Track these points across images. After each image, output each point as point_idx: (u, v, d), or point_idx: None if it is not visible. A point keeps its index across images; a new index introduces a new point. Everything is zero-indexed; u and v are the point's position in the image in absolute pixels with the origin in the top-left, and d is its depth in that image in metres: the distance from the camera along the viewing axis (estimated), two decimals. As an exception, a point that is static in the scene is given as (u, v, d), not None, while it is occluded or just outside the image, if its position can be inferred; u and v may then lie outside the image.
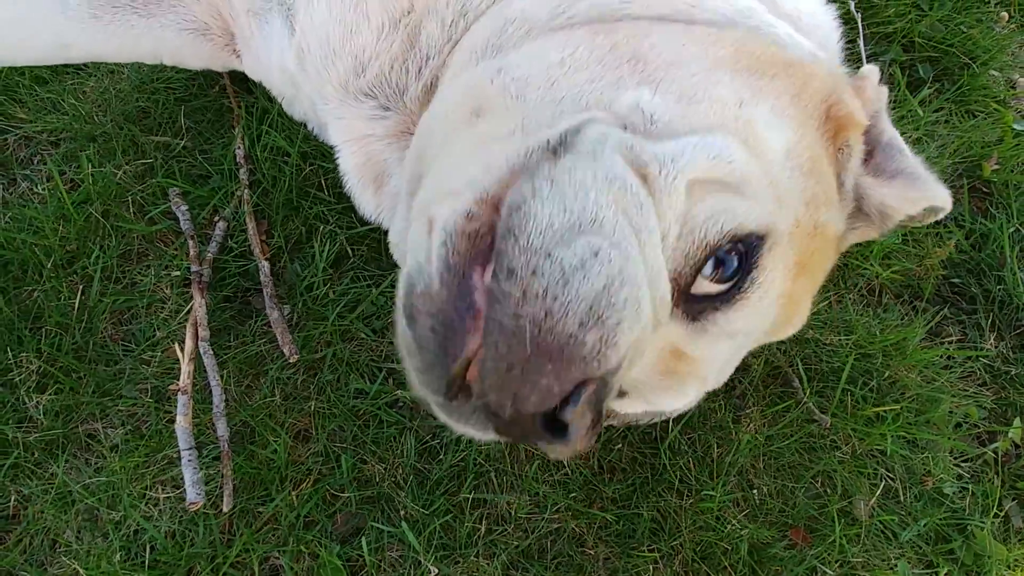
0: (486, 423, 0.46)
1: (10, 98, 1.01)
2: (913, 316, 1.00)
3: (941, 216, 0.65)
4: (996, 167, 1.12)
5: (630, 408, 0.59)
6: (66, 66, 1.05)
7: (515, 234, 0.42)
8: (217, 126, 1.02)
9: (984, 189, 1.13)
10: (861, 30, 1.16)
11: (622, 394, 0.56)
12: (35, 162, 0.99)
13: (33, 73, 1.03)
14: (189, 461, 0.71)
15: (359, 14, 0.69)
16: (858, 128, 0.61)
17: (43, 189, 0.96)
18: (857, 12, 1.14)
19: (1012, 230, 1.06)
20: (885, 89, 0.65)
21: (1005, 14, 1.34)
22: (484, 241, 0.43)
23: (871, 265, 1.02)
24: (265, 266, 0.89)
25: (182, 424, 0.73)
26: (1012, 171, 1.12)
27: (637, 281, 0.44)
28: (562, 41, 0.57)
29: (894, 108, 1.15)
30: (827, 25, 0.71)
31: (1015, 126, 1.18)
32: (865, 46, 1.17)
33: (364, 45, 0.69)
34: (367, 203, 0.74)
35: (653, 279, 0.45)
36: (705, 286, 0.50)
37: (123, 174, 0.96)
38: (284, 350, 0.84)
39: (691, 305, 0.50)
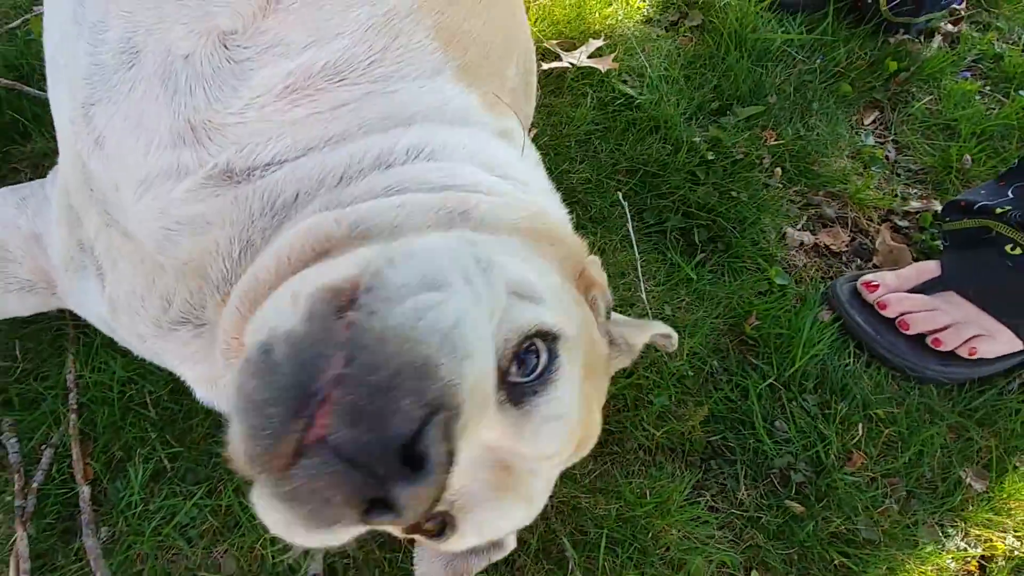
0: (334, 480, 0.42)
1: None
2: (682, 473, 1.16)
3: (674, 338, 0.91)
4: (756, 323, 1.31)
5: (463, 543, 0.65)
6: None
7: (374, 288, 0.47)
8: (55, 347, 1.13)
9: (750, 342, 1.31)
10: (628, 215, 1.36)
11: (452, 528, 0.63)
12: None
13: None
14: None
15: (155, 267, 0.79)
16: (601, 289, 0.80)
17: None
18: (624, 202, 1.34)
19: (768, 383, 1.24)
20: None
21: (779, 170, 1.56)
22: (347, 302, 0.47)
23: (645, 428, 1.18)
24: (85, 491, 0.99)
25: None
26: (772, 324, 1.30)
27: (480, 328, 0.49)
28: (387, 200, 0.68)
29: (671, 275, 1.34)
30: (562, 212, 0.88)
31: (778, 280, 1.38)
32: (644, 220, 1.37)
33: (166, 286, 0.77)
34: (215, 399, 0.81)
35: (484, 349, 0.49)
36: (517, 378, 0.58)
37: None
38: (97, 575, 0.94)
39: (512, 389, 0.57)
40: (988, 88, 1.82)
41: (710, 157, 1.47)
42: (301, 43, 0.67)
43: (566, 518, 1.08)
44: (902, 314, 1.29)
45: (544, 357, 0.59)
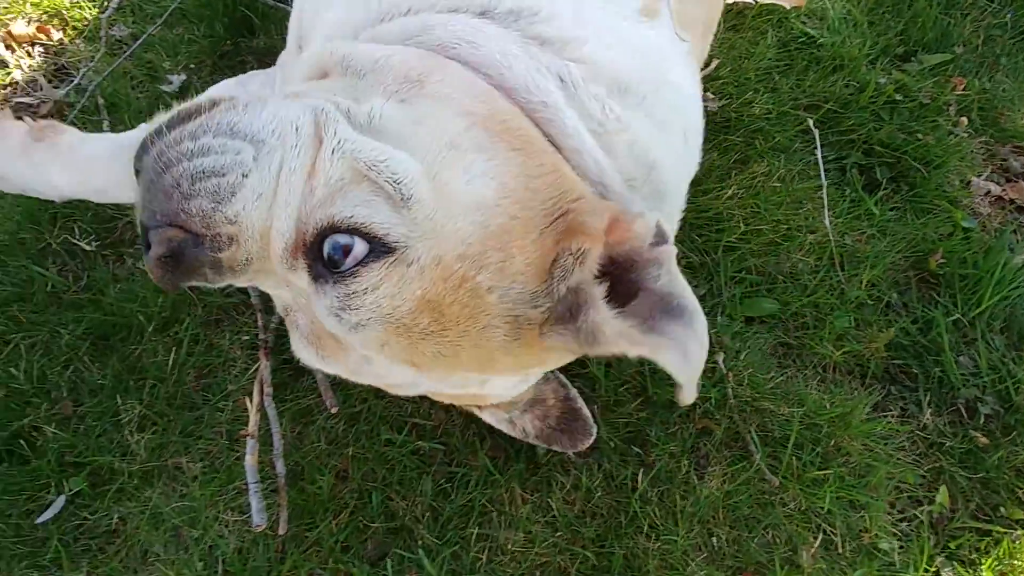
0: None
1: (122, 189, 1.26)
2: (860, 392, 1.17)
3: (686, 395, 0.59)
4: (942, 261, 1.29)
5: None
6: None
7: (206, 113, 0.61)
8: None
9: (932, 280, 1.29)
10: (818, 142, 1.36)
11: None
12: (137, 243, 1.24)
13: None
14: (255, 492, 0.91)
15: None
16: (595, 241, 0.60)
17: (143, 266, 1.20)
18: (815, 130, 1.35)
19: (952, 319, 1.23)
20: (671, 248, 0.62)
21: (964, 119, 1.52)
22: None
23: (824, 346, 1.19)
24: (318, 335, 1.11)
25: (250, 462, 0.94)
26: (957, 264, 1.28)
27: (260, 183, 0.58)
28: (386, 49, 0.68)
29: (852, 208, 1.33)
30: (659, 164, 0.73)
31: (964, 223, 1.35)
32: (823, 154, 1.37)
33: None
34: None
35: (281, 202, 0.57)
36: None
37: (208, 254, 1.19)
38: (327, 403, 1.05)
39: (313, 266, 0.58)
40: None
41: (897, 98, 1.45)
42: None
43: (748, 416, 1.11)
44: None
45: (356, 254, 0.56)
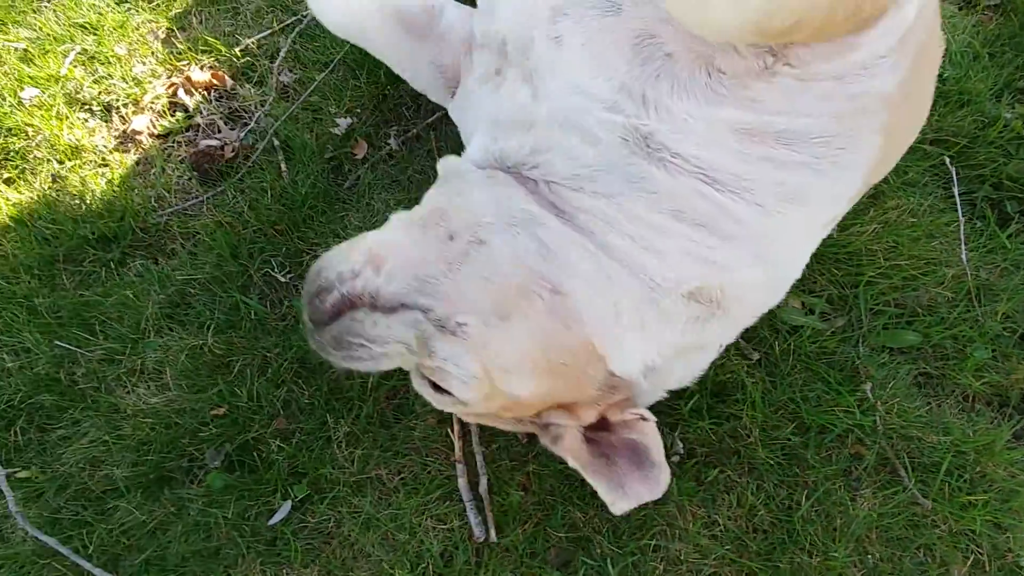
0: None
1: (307, 228, 1.41)
2: (1001, 421, 1.23)
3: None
4: (1077, 295, 1.33)
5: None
6: (337, 200, 1.45)
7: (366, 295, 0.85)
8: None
9: (1068, 312, 1.34)
10: (955, 178, 1.42)
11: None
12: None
13: (315, 207, 1.43)
14: (471, 509, 1.05)
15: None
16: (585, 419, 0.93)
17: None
18: (952, 167, 1.40)
19: (1090, 350, 1.28)
20: (651, 425, 0.94)
21: (1089, 150, 1.55)
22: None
23: (965, 377, 1.26)
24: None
25: (462, 484, 1.09)
26: (1092, 297, 1.33)
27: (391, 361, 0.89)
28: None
29: (986, 243, 1.39)
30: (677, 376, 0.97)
31: (1096, 256, 1.39)
32: (959, 189, 1.43)
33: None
34: None
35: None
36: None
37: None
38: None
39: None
40: None
41: (1022, 131, 1.49)
42: (773, 109, 0.77)
43: (897, 443, 1.19)
44: None
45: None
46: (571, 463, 0.93)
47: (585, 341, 0.84)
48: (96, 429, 1.19)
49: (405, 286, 0.82)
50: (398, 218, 0.92)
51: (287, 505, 1.14)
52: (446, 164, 0.98)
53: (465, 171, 0.93)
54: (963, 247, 1.37)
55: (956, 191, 1.41)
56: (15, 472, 1.16)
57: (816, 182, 0.82)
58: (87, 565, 1.10)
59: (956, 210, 1.41)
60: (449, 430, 1.14)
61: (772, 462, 1.17)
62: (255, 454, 1.18)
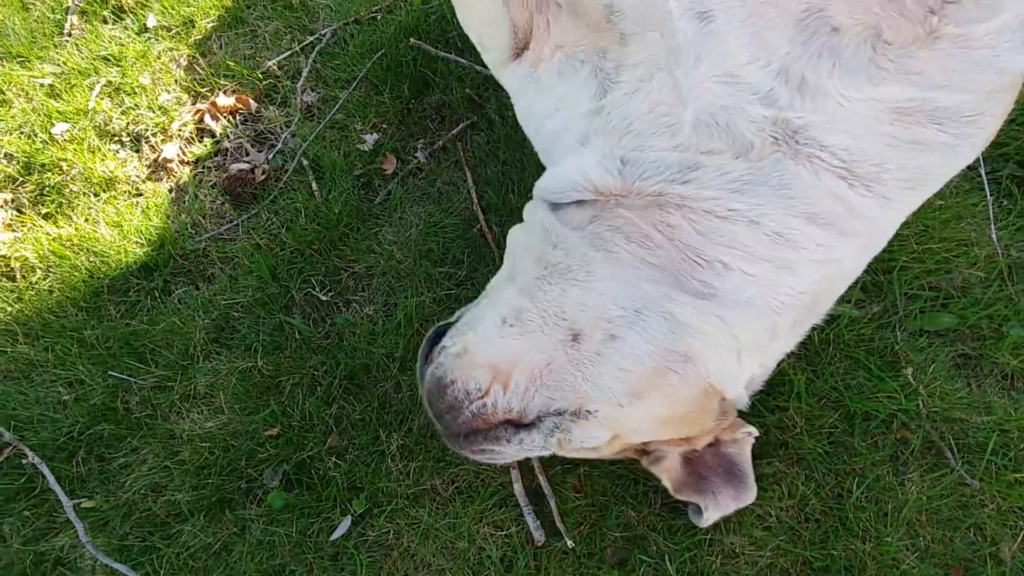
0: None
1: (343, 245, 1.43)
2: (1043, 397, 1.24)
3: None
4: (1110, 267, 1.34)
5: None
6: (370, 216, 1.47)
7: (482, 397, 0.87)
8: (480, 255, 1.41)
9: (1100, 286, 1.35)
10: (981, 159, 1.43)
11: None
12: (361, 289, 1.41)
13: (349, 224, 1.46)
14: (529, 513, 1.08)
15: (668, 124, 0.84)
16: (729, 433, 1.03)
17: (371, 311, 1.37)
18: (985, 182, 1.41)
19: None
20: (751, 437, 1.05)
21: (1111, 122, 1.55)
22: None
23: (1003, 355, 1.27)
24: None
25: (518, 489, 1.11)
26: (1125, 270, 1.34)
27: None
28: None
29: (1015, 220, 1.40)
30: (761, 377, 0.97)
31: (1126, 228, 1.40)
32: (985, 169, 1.44)
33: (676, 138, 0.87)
34: None
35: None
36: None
37: (427, 300, 1.35)
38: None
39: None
40: None
41: (1047, 108, 1.50)
42: (935, 83, 0.75)
43: (940, 426, 1.21)
44: None
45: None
46: (665, 483, 1.03)
47: (708, 387, 0.85)
48: (155, 456, 1.22)
49: (541, 403, 0.83)
50: (503, 302, 0.87)
51: (347, 520, 1.17)
52: (539, 219, 0.89)
53: (570, 241, 0.85)
54: (993, 227, 1.38)
55: (983, 171, 1.42)
56: (80, 502, 1.20)
57: (947, 164, 0.83)
58: (157, 588, 1.13)
59: (983, 190, 1.42)
60: (501, 438, 1.17)
61: (820, 451, 1.18)
62: (312, 472, 1.21)
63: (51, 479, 1.18)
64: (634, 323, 0.79)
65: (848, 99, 0.76)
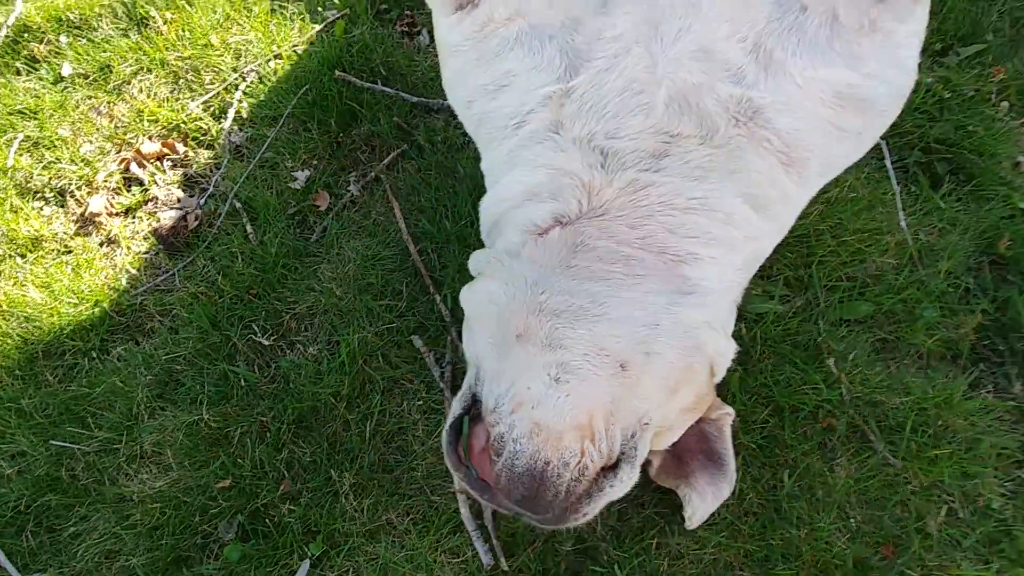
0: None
1: (282, 287, 1.43)
2: (957, 374, 1.33)
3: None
4: (1009, 243, 1.43)
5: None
6: (307, 255, 1.47)
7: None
8: (420, 285, 1.43)
9: (1002, 262, 1.44)
10: (886, 149, 1.50)
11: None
12: (304, 329, 1.42)
13: (287, 265, 1.46)
14: (477, 538, 1.11)
15: (640, 92, 0.87)
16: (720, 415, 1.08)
17: (315, 350, 1.38)
18: (882, 138, 1.48)
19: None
20: (729, 415, 1.09)
21: (1005, 104, 1.65)
22: None
23: (918, 337, 1.35)
24: (484, 392, 1.28)
25: (465, 513, 1.13)
26: (1022, 244, 1.43)
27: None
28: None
29: (922, 206, 1.48)
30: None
31: (1022, 205, 1.50)
32: (891, 158, 1.52)
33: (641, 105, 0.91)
34: None
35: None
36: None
37: (369, 335, 1.37)
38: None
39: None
40: None
41: (946, 95, 1.58)
42: (869, 72, 0.83)
43: (863, 410, 1.28)
44: None
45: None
46: (664, 482, 1.11)
47: (711, 367, 0.92)
48: (105, 521, 1.21)
49: (620, 437, 0.82)
50: (529, 365, 0.81)
51: (306, 564, 1.18)
52: (521, 275, 0.87)
53: (565, 284, 0.84)
54: (901, 214, 1.46)
55: (888, 161, 1.50)
56: None
57: (854, 153, 0.92)
58: (120, 652, 1.13)
59: (891, 179, 1.50)
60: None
61: (754, 446, 1.24)
62: (267, 520, 1.22)
63: (1, 556, 1.17)
64: (658, 336, 0.83)
65: (804, 79, 0.82)
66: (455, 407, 0.90)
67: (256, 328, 1.39)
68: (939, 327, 1.36)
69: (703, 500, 1.08)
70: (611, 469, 0.83)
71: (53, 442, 1.28)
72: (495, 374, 0.84)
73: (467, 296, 0.95)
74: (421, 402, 1.31)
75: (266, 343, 1.38)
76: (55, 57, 1.75)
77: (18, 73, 1.75)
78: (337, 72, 1.61)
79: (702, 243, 0.86)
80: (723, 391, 1.27)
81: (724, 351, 0.93)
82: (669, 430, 0.94)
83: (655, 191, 0.84)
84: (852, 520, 1.21)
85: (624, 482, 0.84)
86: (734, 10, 0.81)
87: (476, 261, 0.99)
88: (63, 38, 1.76)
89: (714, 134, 0.83)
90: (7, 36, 1.76)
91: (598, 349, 0.80)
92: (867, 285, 1.40)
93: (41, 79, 1.73)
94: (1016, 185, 1.53)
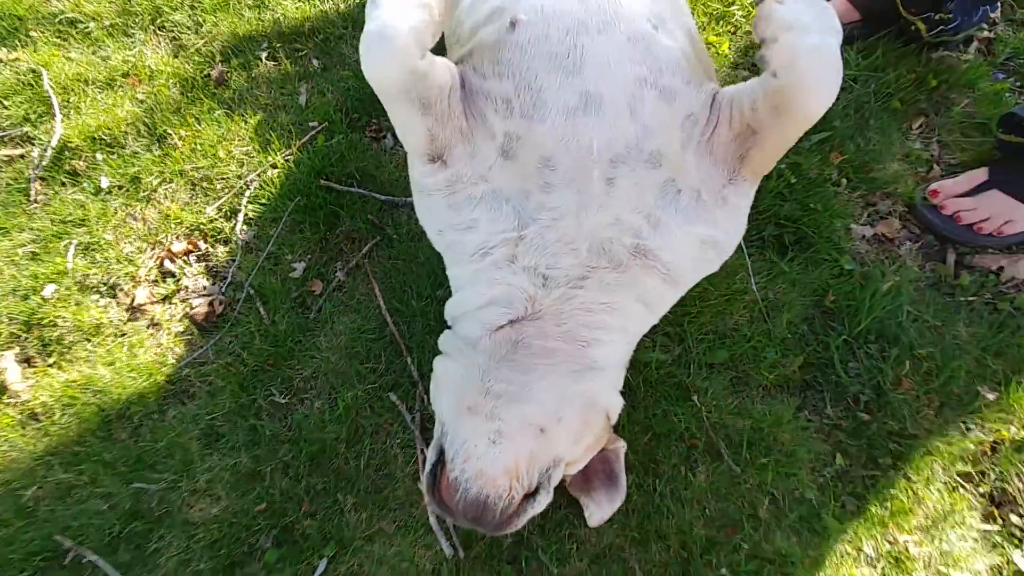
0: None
1: (291, 357, 1.90)
2: (787, 401, 1.82)
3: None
4: (833, 298, 1.92)
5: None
6: (308, 330, 1.93)
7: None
8: (395, 350, 1.89)
9: (828, 312, 1.93)
10: (743, 243, 1.97)
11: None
12: (310, 388, 1.88)
13: (293, 339, 1.92)
14: (439, 531, 1.60)
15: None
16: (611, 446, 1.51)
17: (319, 404, 1.85)
18: (744, 250, 1.95)
19: (843, 338, 1.87)
20: (621, 447, 1.55)
21: (844, 180, 2.12)
22: None
23: (762, 374, 1.84)
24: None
25: (434, 521, 1.62)
26: (844, 298, 1.91)
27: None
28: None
29: (771, 270, 1.96)
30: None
31: (847, 266, 1.97)
32: (745, 243, 1.99)
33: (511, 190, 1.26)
34: None
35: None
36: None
37: (359, 392, 1.84)
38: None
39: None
40: (1018, 83, 2.27)
41: (792, 180, 2.05)
42: (721, 229, 1.29)
43: (718, 431, 1.77)
44: (956, 211, 1.98)
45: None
46: (575, 494, 1.55)
47: (607, 416, 1.36)
48: (178, 540, 1.70)
49: (537, 474, 1.21)
50: (478, 431, 1.18)
51: (323, 562, 1.67)
52: (476, 364, 1.27)
53: (507, 373, 1.23)
54: (753, 279, 1.93)
55: (743, 244, 1.97)
56: (129, 580, 1.67)
57: (708, 271, 1.38)
58: (197, 630, 1.62)
59: (746, 253, 1.97)
60: (418, 484, 1.69)
61: (637, 462, 1.74)
62: (294, 532, 1.71)
63: (110, 568, 1.65)
64: (566, 406, 1.25)
65: (680, 233, 1.26)
66: (431, 455, 1.31)
67: (274, 390, 1.86)
68: (778, 365, 1.85)
69: (600, 508, 1.53)
70: (532, 495, 1.25)
71: (134, 484, 1.75)
72: (454, 435, 1.25)
73: (437, 366, 1.41)
74: (399, 440, 1.80)
75: (282, 401, 1.85)
76: (93, 171, 2.18)
77: (63, 185, 2.17)
78: (321, 180, 2.06)
79: (605, 332, 1.30)
80: (617, 426, 1.76)
81: (616, 405, 1.39)
82: (577, 462, 1.39)
83: (577, 300, 1.27)
84: (706, 511, 1.71)
85: (541, 503, 1.27)
86: (634, 196, 1.22)
87: (445, 341, 1.43)
88: (99, 155, 2.19)
89: (620, 265, 1.25)
90: (52, 155, 2.18)
91: (525, 422, 1.17)
92: (726, 336, 1.89)
93: (84, 191, 2.15)
94: (844, 249, 2.01)
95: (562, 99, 1.13)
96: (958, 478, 1.75)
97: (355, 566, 1.69)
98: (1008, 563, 1.67)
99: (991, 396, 1.81)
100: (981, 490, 1.74)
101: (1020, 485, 1.74)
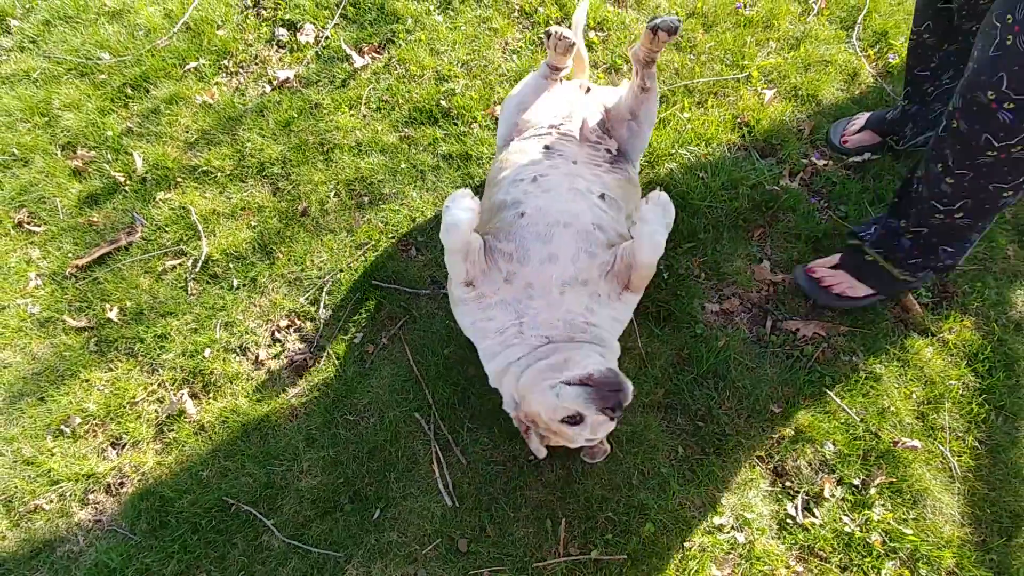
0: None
1: (354, 395, 3.10)
2: (654, 413, 2.98)
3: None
4: (687, 353, 3.08)
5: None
6: (364, 375, 3.14)
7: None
8: (419, 389, 3.09)
9: (687, 362, 3.09)
10: (636, 331, 3.17)
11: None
12: (366, 411, 3.08)
13: (358, 383, 3.12)
14: (442, 487, 2.77)
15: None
16: None
17: (372, 422, 3.04)
18: (634, 322, 3.14)
19: (690, 377, 3.03)
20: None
21: (702, 274, 3.30)
22: None
23: (639, 398, 3.00)
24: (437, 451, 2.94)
25: (437, 473, 2.80)
26: (695, 352, 3.08)
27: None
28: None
29: (650, 333, 3.13)
30: None
31: (698, 331, 3.14)
32: (636, 319, 3.19)
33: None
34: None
35: None
36: None
37: (396, 414, 3.03)
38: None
39: None
40: (823, 203, 3.45)
41: (666, 276, 3.24)
42: (618, 315, 2.46)
43: (611, 432, 2.93)
44: (822, 278, 3.10)
45: None
46: (528, 442, 2.47)
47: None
48: (293, 499, 2.89)
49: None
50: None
51: (378, 511, 2.85)
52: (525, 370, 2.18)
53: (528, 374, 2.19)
54: (639, 339, 3.11)
55: (635, 324, 3.15)
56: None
57: (617, 334, 2.56)
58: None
59: (635, 325, 3.15)
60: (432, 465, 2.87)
61: (564, 455, 2.91)
62: (360, 494, 2.89)
63: (258, 514, 2.85)
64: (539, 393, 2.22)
65: (602, 315, 2.48)
66: (576, 406, 2.10)
67: (346, 411, 3.07)
68: (651, 393, 3.02)
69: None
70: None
71: (265, 467, 2.96)
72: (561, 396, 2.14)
73: (527, 394, 2.30)
74: (421, 441, 2.98)
75: (351, 418, 3.06)
76: (227, 274, 3.44)
77: (208, 283, 3.43)
78: (373, 280, 3.29)
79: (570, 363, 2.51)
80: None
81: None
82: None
83: (567, 348, 2.48)
84: (602, 480, 2.87)
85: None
86: (577, 300, 2.39)
87: (508, 402, 2.40)
88: (231, 264, 3.45)
89: (583, 331, 2.46)
90: (200, 264, 3.45)
91: (532, 416, 2.30)
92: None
93: (222, 287, 3.41)
94: (699, 319, 3.18)
95: (538, 255, 2.11)
96: (755, 459, 2.89)
97: (396, 513, 2.87)
98: (783, 510, 2.80)
99: (778, 410, 2.96)
100: (769, 466, 2.88)
101: (792, 463, 2.88)
